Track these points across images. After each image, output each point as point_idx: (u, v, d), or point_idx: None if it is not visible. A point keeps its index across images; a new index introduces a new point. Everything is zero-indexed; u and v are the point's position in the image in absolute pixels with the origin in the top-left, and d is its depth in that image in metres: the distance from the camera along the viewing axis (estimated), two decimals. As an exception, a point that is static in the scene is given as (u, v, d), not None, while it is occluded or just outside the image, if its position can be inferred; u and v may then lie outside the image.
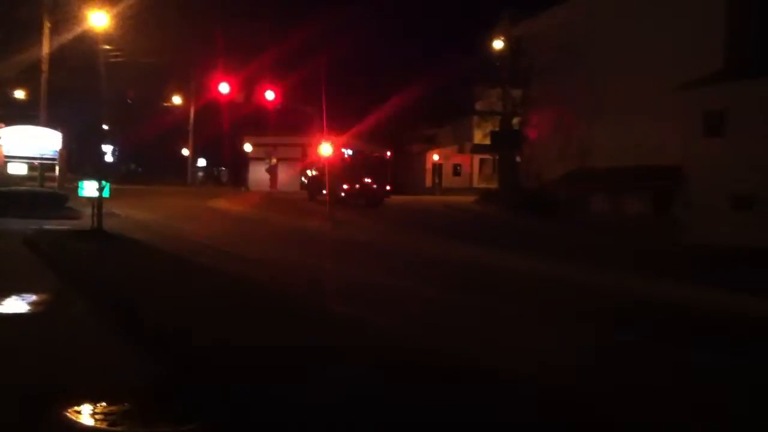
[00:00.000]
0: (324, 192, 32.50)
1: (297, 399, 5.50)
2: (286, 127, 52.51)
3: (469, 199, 38.95)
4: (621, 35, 30.62)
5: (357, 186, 35.68)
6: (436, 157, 57.01)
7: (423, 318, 9.37)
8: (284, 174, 54.75)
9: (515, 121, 39.91)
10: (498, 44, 38.84)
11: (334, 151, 32.62)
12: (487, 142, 44.98)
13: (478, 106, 49.62)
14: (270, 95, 37.73)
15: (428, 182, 56.99)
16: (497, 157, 46.79)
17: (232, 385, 5.82)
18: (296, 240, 20.69)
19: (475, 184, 53.35)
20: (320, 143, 31.00)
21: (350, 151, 40.87)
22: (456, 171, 57.27)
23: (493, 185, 45.07)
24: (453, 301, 11.11)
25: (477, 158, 55.58)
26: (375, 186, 36.24)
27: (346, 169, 36.39)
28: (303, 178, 45.90)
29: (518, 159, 40.05)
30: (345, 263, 15.39)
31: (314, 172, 40.08)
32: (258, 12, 53.14)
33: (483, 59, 40.74)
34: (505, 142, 40.41)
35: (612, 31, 31.29)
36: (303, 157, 51.68)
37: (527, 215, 30.01)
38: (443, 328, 8.74)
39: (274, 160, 55.57)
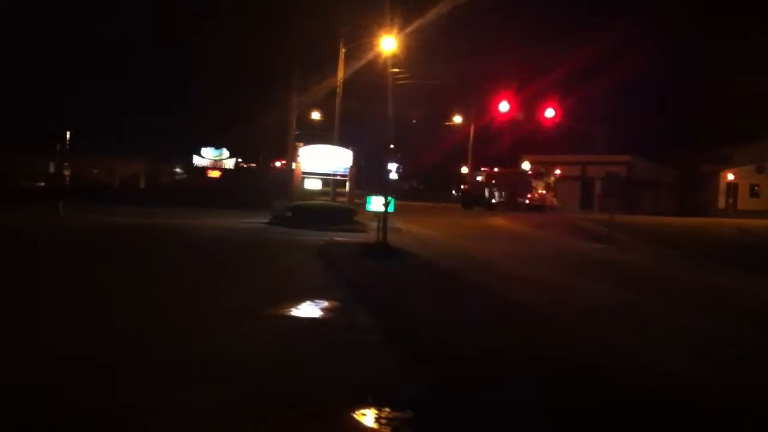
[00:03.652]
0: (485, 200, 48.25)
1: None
2: (565, 145, 51.40)
3: (769, 222, 34.81)
4: None
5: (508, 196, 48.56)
6: (731, 177, 52.20)
7: (714, 356, 8.25)
8: (565, 192, 53.46)
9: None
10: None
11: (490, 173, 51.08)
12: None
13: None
14: (550, 113, 37.10)
15: (720, 204, 52.35)
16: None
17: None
18: (577, 263, 19.76)
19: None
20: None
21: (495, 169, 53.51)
22: (753, 192, 52.01)
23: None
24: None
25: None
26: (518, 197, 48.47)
27: (491, 184, 50.93)
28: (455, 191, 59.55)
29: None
30: (627, 291, 14.21)
31: (465, 187, 55.11)
32: (540, 32, 52.79)
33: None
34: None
35: None
36: (582, 175, 50.17)
37: None
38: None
39: (553, 179, 54.57)
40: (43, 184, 43.56)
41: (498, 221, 34.81)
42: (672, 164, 53.21)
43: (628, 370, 7.30)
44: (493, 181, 51.02)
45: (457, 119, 59.79)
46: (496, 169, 53.30)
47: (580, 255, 21.53)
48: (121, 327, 8.44)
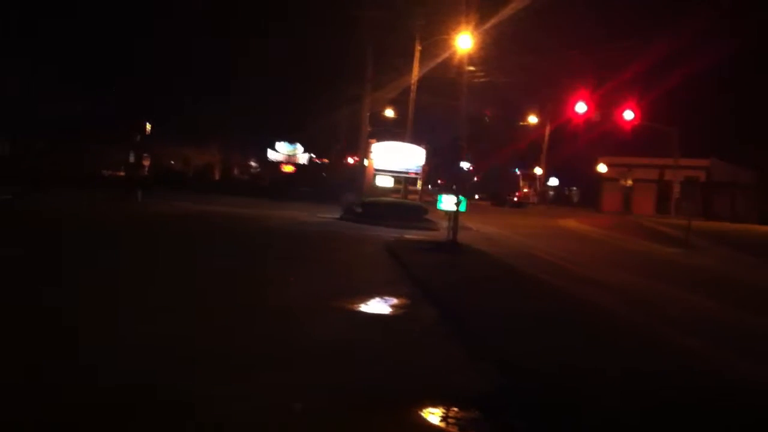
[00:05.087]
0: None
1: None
2: (643, 148, 50.12)
3: None
4: None
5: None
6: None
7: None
8: (640, 196, 52.19)
9: None
10: None
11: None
12: None
13: None
14: (628, 115, 36.24)
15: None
16: None
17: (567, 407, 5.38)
18: (653, 266, 19.28)
19: None
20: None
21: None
22: None
23: None
24: None
25: None
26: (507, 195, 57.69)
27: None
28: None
29: None
30: (697, 293, 13.79)
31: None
32: (617, 31, 51.65)
33: None
34: None
35: None
36: (660, 178, 48.88)
37: None
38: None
39: (629, 182, 53.33)
40: (122, 173, 44.94)
41: (569, 222, 34.27)
42: (753, 166, 51.24)
43: (708, 378, 7.07)
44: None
45: (532, 119, 59.05)
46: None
47: (655, 259, 21.01)
48: (193, 317, 8.69)
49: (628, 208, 51.23)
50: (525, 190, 64.81)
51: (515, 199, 58.80)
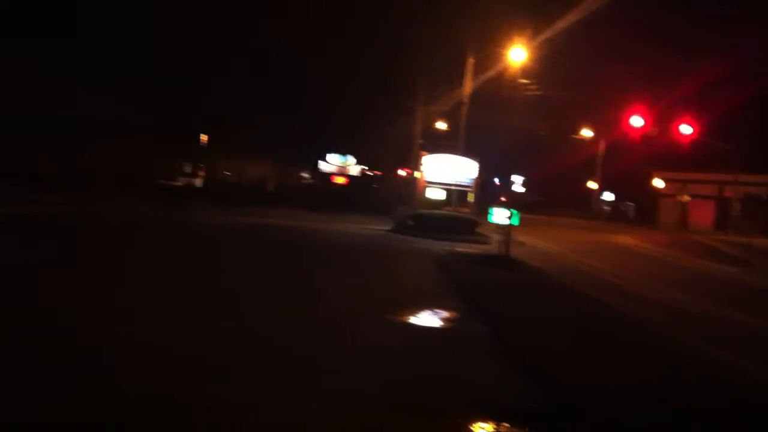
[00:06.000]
0: None
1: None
2: (701, 163, 48.94)
3: None
4: None
5: None
6: None
7: None
8: (698, 212, 50.95)
9: None
10: None
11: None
12: None
13: None
14: (686, 129, 35.44)
15: None
16: None
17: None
18: (709, 286, 18.74)
19: None
20: None
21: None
22: None
23: None
24: None
25: None
26: None
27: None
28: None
29: None
30: (761, 317, 13.27)
31: None
32: (674, 41, 50.68)
33: None
34: None
35: None
36: (719, 194, 47.68)
37: None
38: None
39: (687, 198, 52.13)
40: (179, 183, 45.81)
41: (625, 239, 33.62)
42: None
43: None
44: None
45: (586, 132, 58.20)
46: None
47: (713, 278, 20.43)
48: (256, 325, 8.78)
49: (685, 225, 50.02)
50: (503, 199, 67.39)
51: None
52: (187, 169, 50.79)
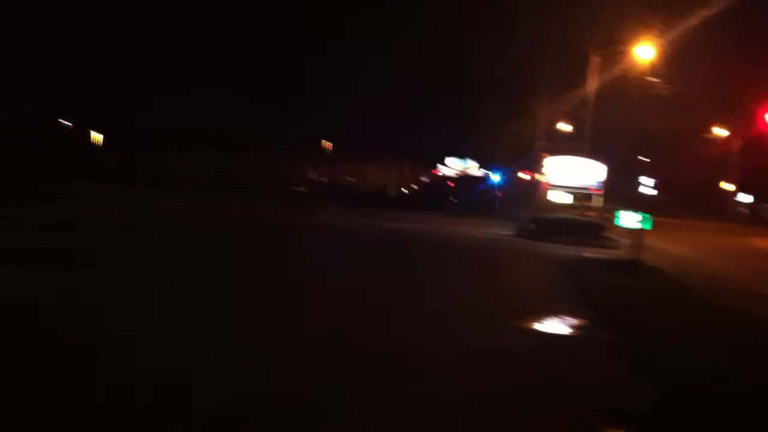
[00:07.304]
0: None
1: None
2: None
3: None
4: None
5: None
6: None
7: None
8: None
9: None
10: None
11: None
12: None
13: None
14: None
15: None
16: None
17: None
18: None
19: None
20: None
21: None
22: None
23: None
24: None
25: None
26: None
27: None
28: None
29: None
30: None
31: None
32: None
33: None
34: None
35: None
36: None
37: None
38: None
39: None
40: (303, 189, 47.14)
41: (765, 243, 31.59)
42: None
43: None
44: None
45: (718, 131, 55.28)
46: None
47: None
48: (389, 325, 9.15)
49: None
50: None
51: None
52: (313, 175, 52.54)
